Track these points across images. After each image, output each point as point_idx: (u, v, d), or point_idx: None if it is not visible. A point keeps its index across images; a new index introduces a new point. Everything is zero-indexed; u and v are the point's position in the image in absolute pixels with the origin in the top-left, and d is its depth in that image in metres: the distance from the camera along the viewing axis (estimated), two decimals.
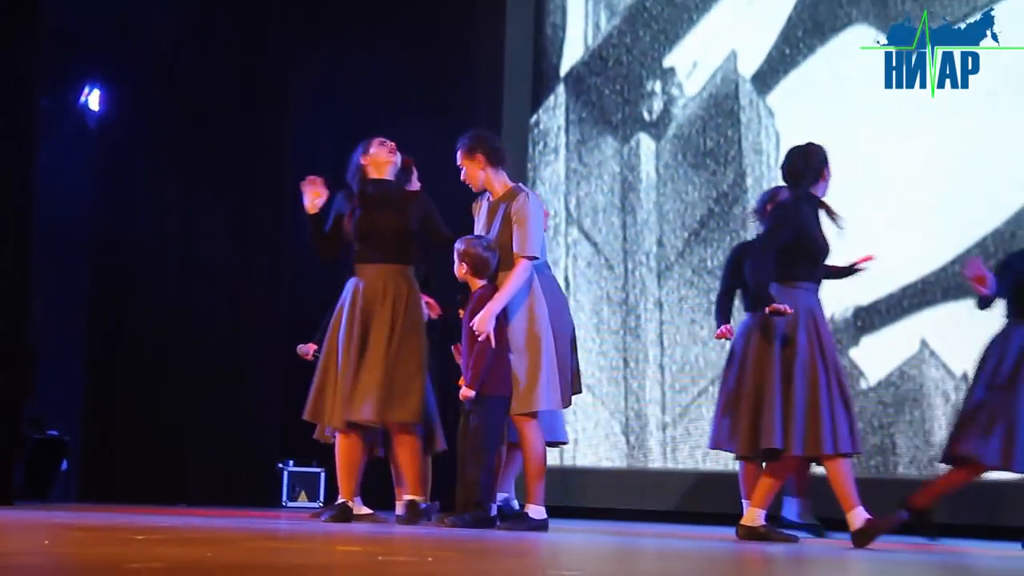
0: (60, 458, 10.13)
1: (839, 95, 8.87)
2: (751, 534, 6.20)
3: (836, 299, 8.08)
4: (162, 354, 9.80)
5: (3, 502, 7.79)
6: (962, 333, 7.98)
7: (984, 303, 6.82)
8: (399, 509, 6.86)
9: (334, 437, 6.88)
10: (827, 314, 6.37)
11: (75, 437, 9.95)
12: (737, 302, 7.58)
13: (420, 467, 6.78)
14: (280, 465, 9.66)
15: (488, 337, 6.38)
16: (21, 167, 8.27)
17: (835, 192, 6.38)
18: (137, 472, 9.59)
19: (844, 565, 4.89)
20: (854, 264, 6.57)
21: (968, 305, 7.42)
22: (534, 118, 10.03)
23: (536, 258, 6.53)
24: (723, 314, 7.48)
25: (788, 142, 7.35)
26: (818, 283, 6.26)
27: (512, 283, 6.44)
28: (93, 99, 10.31)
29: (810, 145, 6.31)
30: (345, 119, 10.26)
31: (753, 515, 6.24)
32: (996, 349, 6.74)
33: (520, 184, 6.81)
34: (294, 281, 10.07)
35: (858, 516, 5.99)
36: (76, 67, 10.22)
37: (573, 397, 6.86)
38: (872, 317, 8.68)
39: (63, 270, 10.28)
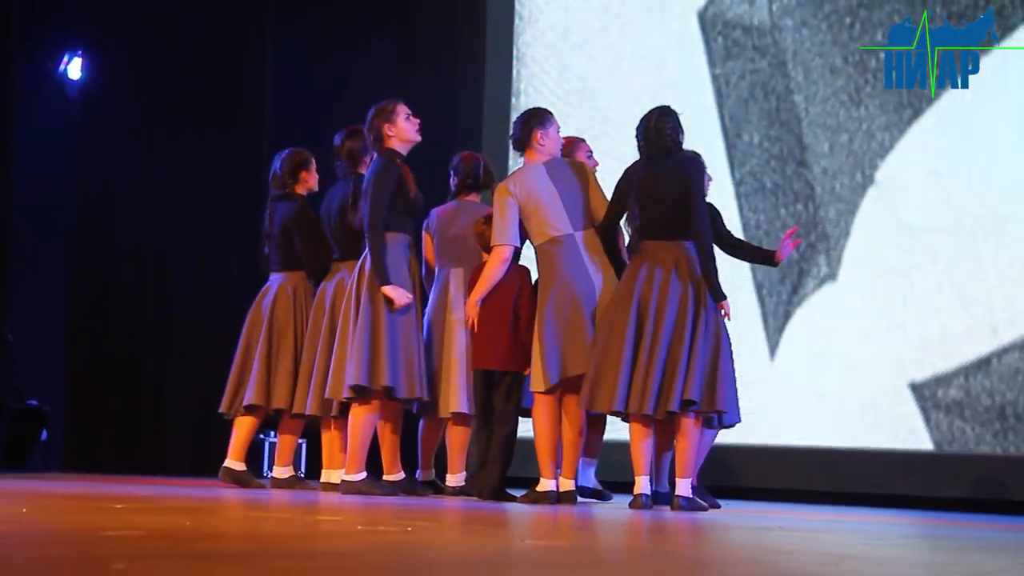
0: (39, 428, 10.11)
1: None
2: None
3: None
4: (142, 324, 9.76)
5: None
6: None
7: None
8: None
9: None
10: None
11: (56, 407, 9.92)
12: None
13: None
14: (260, 436, 9.63)
15: (471, 321, 6.59)
16: (0, 134, 8.20)
17: None
18: (117, 443, 9.56)
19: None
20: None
21: None
22: (515, 87, 10.01)
23: (511, 245, 6.52)
24: None
25: None
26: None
27: (483, 273, 6.61)
28: (73, 67, 10.24)
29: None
30: (323, 88, 10.23)
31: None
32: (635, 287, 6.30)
33: (511, 173, 6.73)
34: None
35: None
36: (55, 35, 10.17)
37: None
38: None
39: (44, 240, 10.24)
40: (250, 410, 7.29)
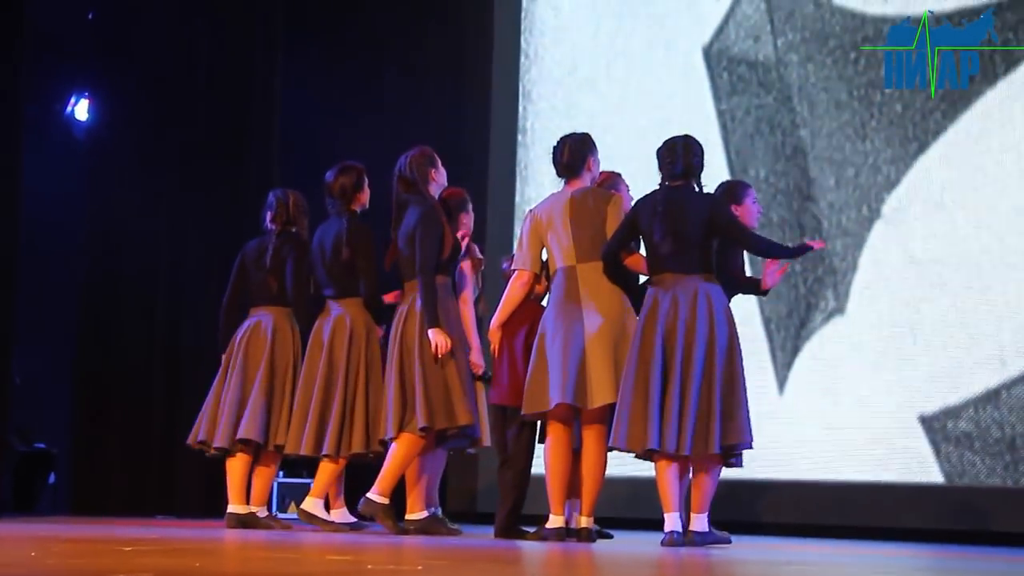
0: (47, 471, 10.10)
1: None
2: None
3: None
4: (149, 366, 9.75)
5: None
6: None
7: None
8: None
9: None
10: None
11: (63, 450, 9.90)
12: None
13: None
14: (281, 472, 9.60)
15: (494, 346, 6.73)
16: (7, 176, 8.22)
17: None
18: (125, 484, 9.53)
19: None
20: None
21: None
22: (521, 124, 10.02)
23: (528, 271, 6.59)
24: None
25: None
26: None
27: (503, 299, 6.70)
28: (80, 109, 10.27)
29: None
30: (331, 126, 10.26)
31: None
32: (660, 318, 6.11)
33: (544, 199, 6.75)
34: None
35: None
36: (62, 76, 10.20)
37: None
38: None
39: (51, 281, 10.25)
40: (244, 447, 7.31)
